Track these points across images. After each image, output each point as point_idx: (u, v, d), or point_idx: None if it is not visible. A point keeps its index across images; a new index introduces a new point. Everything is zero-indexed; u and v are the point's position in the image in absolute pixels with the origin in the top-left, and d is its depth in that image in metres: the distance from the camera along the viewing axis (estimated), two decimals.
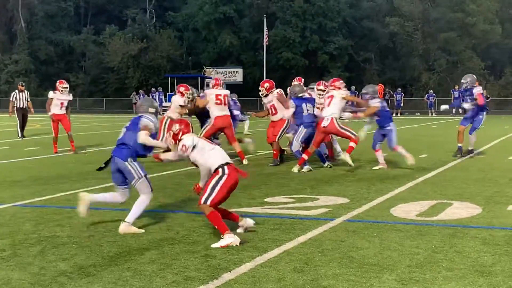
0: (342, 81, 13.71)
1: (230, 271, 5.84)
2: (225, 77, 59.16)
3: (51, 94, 17.90)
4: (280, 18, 63.23)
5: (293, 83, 14.66)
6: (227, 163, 7.17)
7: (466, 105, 15.38)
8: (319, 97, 13.89)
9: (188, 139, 7.22)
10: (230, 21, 63.79)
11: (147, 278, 5.65)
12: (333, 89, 13.25)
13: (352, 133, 12.97)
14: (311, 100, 13.83)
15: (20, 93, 23.80)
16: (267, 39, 56.62)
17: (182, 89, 15.19)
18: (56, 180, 12.07)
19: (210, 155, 7.18)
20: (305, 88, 14.58)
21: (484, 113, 15.61)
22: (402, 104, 48.20)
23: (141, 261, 6.20)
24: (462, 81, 15.81)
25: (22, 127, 23.60)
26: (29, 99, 24.06)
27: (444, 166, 13.76)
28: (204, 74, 58.15)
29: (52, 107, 17.49)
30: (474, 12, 61.46)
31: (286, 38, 61.78)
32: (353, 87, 50.33)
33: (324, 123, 12.81)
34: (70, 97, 18.06)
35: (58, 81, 18.46)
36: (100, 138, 23.19)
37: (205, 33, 64.42)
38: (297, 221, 8.12)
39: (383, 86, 50.31)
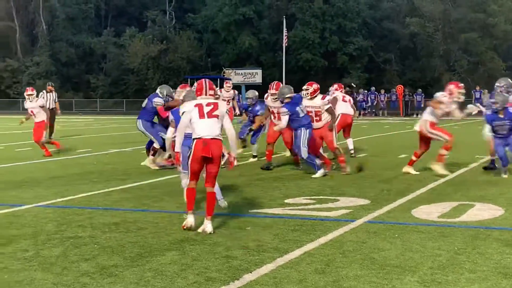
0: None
1: (251, 272, 5.84)
2: (244, 78, 59.22)
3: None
4: (300, 19, 63.13)
5: (270, 91, 14.04)
6: (197, 138, 7.66)
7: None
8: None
9: (184, 106, 8.13)
10: (250, 22, 63.79)
11: (168, 279, 5.66)
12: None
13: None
14: (300, 99, 12.98)
15: (48, 94, 23.27)
16: (286, 40, 56.55)
17: None
18: (77, 181, 12.14)
19: (192, 128, 7.76)
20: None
21: None
22: (423, 105, 47.88)
23: (162, 262, 6.22)
24: (497, 84, 13.46)
25: (50, 131, 22.57)
26: (57, 100, 23.66)
27: (466, 168, 13.65)
28: (223, 76, 58.21)
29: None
30: (495, 12, 61.00)
31: (305, 39, 61.66)
32: (372, 88, 50.20)
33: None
34: (40, 102, 18.04)
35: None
36: (120, 139, 23.29)
37: (225, 34, 64.48)
38: (318, 222, 8.10)
39: (402, 87, 50.12)
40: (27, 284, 5.57)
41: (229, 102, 19.48)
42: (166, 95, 13.92)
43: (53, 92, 23.49)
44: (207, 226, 7.58)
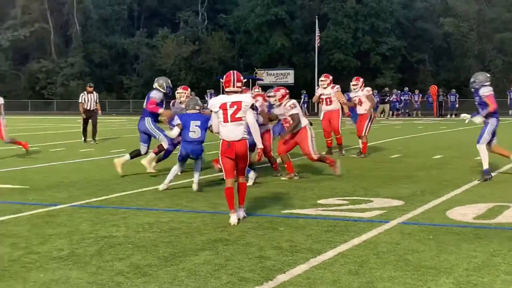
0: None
1: (284, 273, 5.82)
2: (277, 79, 59.20)
3: None
4: (332, 19, 62.97)
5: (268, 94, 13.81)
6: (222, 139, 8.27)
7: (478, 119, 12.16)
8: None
9: (211, 104, 8.48)
10: (282, 23, 63.78)
11: (202, 279, 5.67)
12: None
13: None
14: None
15: (89, 95, 22.83)
16: (319, 40, 56.44)
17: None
18: (110, 181, 12.24)
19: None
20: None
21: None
22: (457, 105, 47.43)
23: (196, 262, 6.23)
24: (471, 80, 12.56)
25: (93, 132, 22.42)
26: (97, 101, 23.21)
27: (501, 168, 13.47)
28: (256, 76, 58.28)
29: None
30: None
31: (338, 39, 61.50)
32: (406, 88, 49.84)
33: None
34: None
35: None
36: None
37: (257, 35, 64.57)
38: (351, 223, 8.06)
39: (436, 87, 49.66)
40: (63, 283, 5.62)
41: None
42: (166, 87, 13.02)
43: (94, 92, 23.12)
44: (239, 213, 8.32)
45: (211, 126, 9.38)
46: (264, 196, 10.17)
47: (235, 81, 8.30)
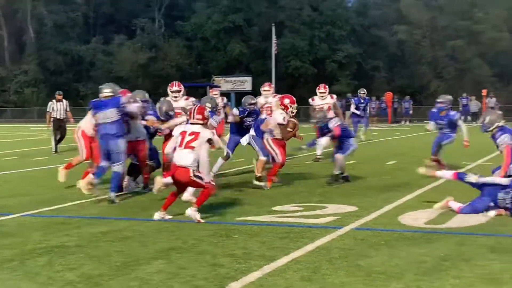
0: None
1: (237, 280, 5.84)
2: (234, 86, 59.18)
3: None
4: (289, 26, 63.24)
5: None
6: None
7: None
8: None
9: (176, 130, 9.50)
10: (239, 30, 63.83)
11: None
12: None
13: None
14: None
15: (58, 103, 21.93)
16: (276, 47, 56.64)
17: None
18: (64, 190, 12.08)
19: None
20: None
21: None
22: (411, 112, 48.06)
23: (148, 271, 6.21)
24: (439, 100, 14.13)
25: (58, 140, 21.58)
26: (68, 109, 22.30)
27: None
28: (213, 83, 58.20)
29: None
30: (482, 19, 61.46)
31: (294, 46, 61.75)
32: (349, 94, 50.26)
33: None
34: None
35: None
36: None
37: (214, 42, 64.48)
38: (305, 229, 8.11)
39: (391, 94, 50.23)
40: None
41: (220, 112, 18.19)
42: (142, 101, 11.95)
43: (63, 101, 22.22)
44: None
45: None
46: (220, 203, 10.17)
47: (195, 114, 9.23)
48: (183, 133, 9.07)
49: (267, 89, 15.58)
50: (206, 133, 9.12)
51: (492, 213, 8.88)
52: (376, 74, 64.03)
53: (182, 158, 8.88)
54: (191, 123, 9.21)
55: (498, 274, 5.94)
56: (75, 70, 72.10)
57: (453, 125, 13.63)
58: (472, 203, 9.11)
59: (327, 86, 16.35)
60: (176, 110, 12.39)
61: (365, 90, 25.87)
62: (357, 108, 24.83)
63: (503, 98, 52.97)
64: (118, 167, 10.67)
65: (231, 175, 14.22)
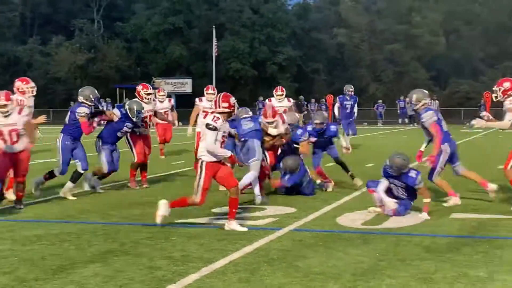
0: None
1: (175, 283, 5.80)
2: (174, 88, 58.89)
3: None
4: (229, 29, 63.34)
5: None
6: None
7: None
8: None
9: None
10: (179, 32, 63.59)
11: None
12: None
13: None
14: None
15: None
16: (216, 49, 56.62)
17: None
18: None
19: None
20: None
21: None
22: (356, 116, 48.56)
23: (84, 274, 6.11)
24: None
25: None
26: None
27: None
28: (153, 85, 57.82)
29: None
30: (419, 24, 62.75)
31: (235, 48, 61.87)
32: (301, 97, 50.70)
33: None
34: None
35: None
36: (43, 148, 22.80)
37: (154, 43, 64.08)
38: (244, 231, 8.10)
39: (332, 96, 50.74)
40: None
41: (167, 114, 17.53)
42: (94, 98, 11.46)
43: None
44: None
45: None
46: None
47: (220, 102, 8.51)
48: None
49: (212, 92, 15.38)
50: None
51: (425, 215, 9.05)
52: (316, 76, 64.66)
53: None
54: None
55: (432, 273, 6.04)
56: (12, 71, 70.48)
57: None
58: (403, 203, 9.23)
59: (284, 89, 15.80)
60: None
61: (352, 86, 22.20)
62: (342, 107, 21.43)
63: (439, 101, 54.10)
64: None
65: (171, 177, 14.14)
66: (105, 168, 11.83)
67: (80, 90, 11.72)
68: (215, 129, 8.18)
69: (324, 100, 50.58)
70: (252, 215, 9.30)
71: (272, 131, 10.85)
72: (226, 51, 61.46)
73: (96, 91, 11.74)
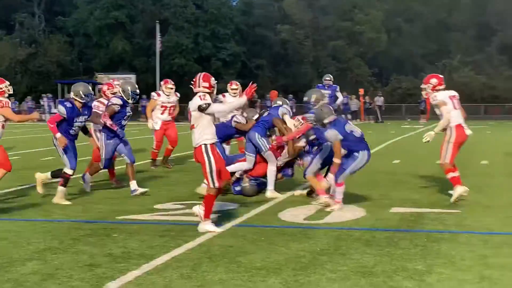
0: None
1: (115, 280, 5.75)
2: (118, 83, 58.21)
3: None
4: (173, 24, 62.98)
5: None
6: None
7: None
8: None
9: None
10: (122, 27, 62.93)
11: None
12: None
13: None
14: None
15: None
16: (160, 45, 56.25)
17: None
18: None
19: None
20: None
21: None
22: (294, 110, 48.90)
23: (22, 272, 6.01)
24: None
25: None
26: None
27: None
28: (96, 80, 57.10)
29: None
30: (362, 21, 63.46)
31: (179, 44, 61.55)
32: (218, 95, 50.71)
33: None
34: None
35: None
36: None
37: (97, 38, 63.30)
38: (187, 227, 8.09)
39: (276, 92, 50.93)
40: None
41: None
42: (84, 95, 10.39)
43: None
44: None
45: None
46: (101, 201, 10.00)
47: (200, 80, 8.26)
48: None
49: (171, 86, 15.11)
50: (192, 105, 8.11)
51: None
52: (260, 72, 64.78)
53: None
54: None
55: (372, 267, 6.13)
56: None
57: None
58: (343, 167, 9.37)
59: (238, 83, 15.34)
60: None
61: (330, 76, 19.54)
62: None
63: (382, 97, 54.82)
64: None
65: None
66: (102, 165, 11.20)
67: (73, 85, 10.65)
68: (208, 105, 7.99)
69: (268, 96, 50.76)
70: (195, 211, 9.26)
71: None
72: (170, 47, 61.10)
73: (90, 88, 10.75)
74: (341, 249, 6.85)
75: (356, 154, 9.39)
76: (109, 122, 10.85)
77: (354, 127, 9.56)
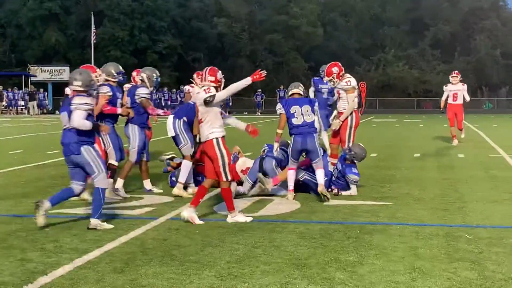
0: None
1: (46, 274, 5.66)
2: (51, 76, 57.26)
3: None
4: (108, 16, 62.24)
5: None
6: None
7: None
8: None
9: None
10: (56, 18, 61.90)
11: None
12: None
13: None
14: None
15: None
16: (95, 37, 55.50)
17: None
18: None
19: None
20: None
21: None
22: (231, 104, 48.99)
23: None
24: None
25: None
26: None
27: None
28: (29, 72, 56.00)
29: None
30: (298, 15, 63.92)
31: (114, 36, 60.92)
32: (182, 86, 50.58)
33: None
34: None
35: None
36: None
37: (30, 29, 62.08)
38: (120, 220, 8.03)
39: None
40: None
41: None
42: (116, 73, 10.05)
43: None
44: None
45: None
46: (33, 195, 9.81)
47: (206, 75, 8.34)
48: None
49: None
50: (197, 99, 8.23)
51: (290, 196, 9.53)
52: (196, 65, 64.54)
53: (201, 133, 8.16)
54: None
55: (305, 259, 6.19)
56: None
57: None
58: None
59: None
60: None
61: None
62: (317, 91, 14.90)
63: None
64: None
65: (46, 167, 13.77)
66: (133, 158, 10.28)
67: (103, 66, 10.22)
68: (213, 97, 8.02)
69: None
70: (129, 204, 9.22)
71: None
72: (105, 39, 60.41)
73: (120, 66, 10.25)
74: (276, 241, 6.90)
75: None
76: (161, 112, 10.54)
77: None
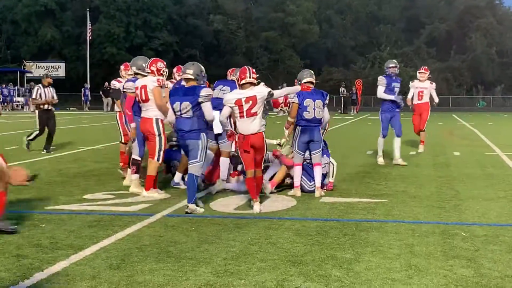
0: None
1: (42, 271, 5.65)
2: (47, 72, 57.12)
3: None
4: (104, 12, 62.14)
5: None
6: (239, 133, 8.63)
7: None
8: None
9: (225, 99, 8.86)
10: (52, 14, 61.80)
11: None
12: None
13: None
14: None
15: (46, 89, 16.49)
16: (90, 33, 55.42)
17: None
18: None
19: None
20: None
21: None
22: None
23: None
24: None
25: (49, 137, 16.09)
26: (55, 96, 16.76)
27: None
28: (24, 68, 55.91)
29: None
30: (294, 12, 63.94)
31: (110, 33, 60.83)
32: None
33: None
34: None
35: None
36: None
37: (25, 26, 61.97)
38: (116, 217, 8.01)
39: (208, 83, 50.83)
40: None
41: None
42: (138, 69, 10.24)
43: (51, 87, 16.79)
44: (255, 207, 8.44)
45: None
46: (28, 191, 9.79)
47: (251, 72, 8.58)
48: (238, 103, 8.46)
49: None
50: (261, 92, 8.54)
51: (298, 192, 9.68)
52: None
53: (248, 126, 8.46)
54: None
55: (301, 256, 6.19)
56: None
57: None
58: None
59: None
60: None
61: (395, 61, 14.73)
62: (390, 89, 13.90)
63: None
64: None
65: (39, 163, 13.75)
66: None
67: (132, 60, 10.49)
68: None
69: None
70: (125, 201, 9.20)
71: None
72: (100, 35, 60.32)
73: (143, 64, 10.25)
74: (272, 238, 6.90)
75: None
76: None
77: None
